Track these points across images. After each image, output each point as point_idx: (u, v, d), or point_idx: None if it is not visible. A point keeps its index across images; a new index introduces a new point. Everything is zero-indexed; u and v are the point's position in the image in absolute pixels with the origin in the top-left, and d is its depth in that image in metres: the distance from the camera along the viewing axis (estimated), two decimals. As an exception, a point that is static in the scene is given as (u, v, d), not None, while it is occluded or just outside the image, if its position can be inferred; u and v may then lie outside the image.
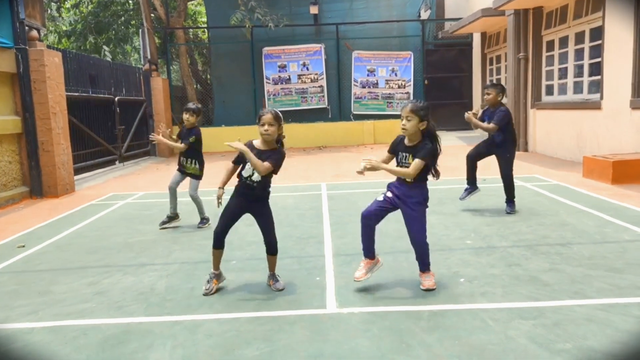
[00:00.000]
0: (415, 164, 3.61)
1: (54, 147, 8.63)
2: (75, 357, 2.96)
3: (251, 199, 3.85)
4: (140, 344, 3.09)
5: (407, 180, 3.68)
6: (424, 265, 3.84)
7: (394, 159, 3.86)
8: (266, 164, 3.70)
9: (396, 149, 3.82)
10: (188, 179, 5.99)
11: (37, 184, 8.62)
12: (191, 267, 4.52)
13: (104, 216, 6.88)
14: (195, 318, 3.44)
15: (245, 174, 3.80)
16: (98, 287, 4.14)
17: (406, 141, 3.74)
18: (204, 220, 6.00)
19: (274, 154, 3.81)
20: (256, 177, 3.76)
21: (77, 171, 10.25)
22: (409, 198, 3.70)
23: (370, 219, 3.77)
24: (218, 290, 3.90)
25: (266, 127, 3.74)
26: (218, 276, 3.95)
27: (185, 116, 5.86)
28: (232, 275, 4.25)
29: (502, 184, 6.05)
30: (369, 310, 3.44)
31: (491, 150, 6.08)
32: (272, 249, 3.91)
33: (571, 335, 2.96)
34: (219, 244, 3.87)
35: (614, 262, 4.14)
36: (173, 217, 6.04)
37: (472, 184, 6.25)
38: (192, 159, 5.94)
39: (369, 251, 3.85)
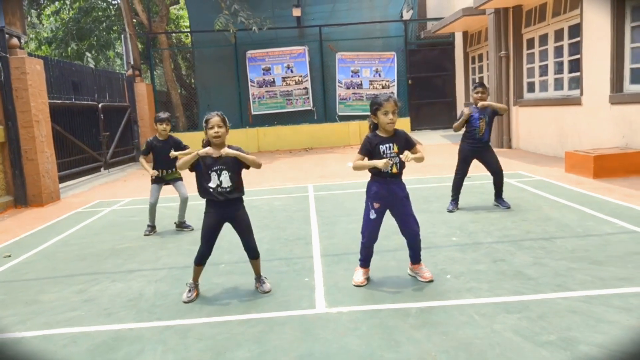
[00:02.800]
0: (417, 148, 3.86)
1: (38, 155, 8.56)
2: (65, 365, 2.97)
3: (228, 206, 3.77)
4: (131, 350, 3.10)
5: (396, 174, 3.80)
6: (419, 257, 4.01)
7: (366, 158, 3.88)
8: (251, 157, 3.74)
9: (372, 145, 3.79)
10: (169, 187, 6.07)
11: (21, 193, 8.55)
12: (179, 272, 4.53)
13: (91, 224, 6.85)
14: (185, 322, 3.45)
15: (212, 184, 3.70)
16: (86, 294, 4.13)
17: (382, 134, 3.81)
18: (189, 225, 6.08)
19: (233, 149, 3.76)
20: (226, 183, 3.71)
21: (62, 179, 10.18)
22: (399, 193, 3.84)
23: (374, 240, 3.96)
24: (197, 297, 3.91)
25: (216, 129, 3.68)
26: (198, 287, 3.95)
27: (162, 126, 5.84)
28: (222, 278, 4.28)
29: (485, 182, 6.12)
30: (357, 309, 3.48)
31: (477, 152, 6.02)
32: (254, 252, 3.93)
33: (555, 327, 3.03)
34: (203, 262, 3.90)
35: (596, 255, 4.23)
36: (154, 227, 6.08)
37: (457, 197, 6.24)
38: (174, 167, 5.92)
39: (368, 262, 4.04)
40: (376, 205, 3.84)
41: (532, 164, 9.30)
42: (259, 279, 4.00)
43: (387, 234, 5.22)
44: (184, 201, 5.98)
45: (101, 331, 3.40)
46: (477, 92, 5.93)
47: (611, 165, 7.45)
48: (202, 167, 3.74)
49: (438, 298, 3.58)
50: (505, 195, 6.24)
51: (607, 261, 4.07)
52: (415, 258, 4.01)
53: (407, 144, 3.81)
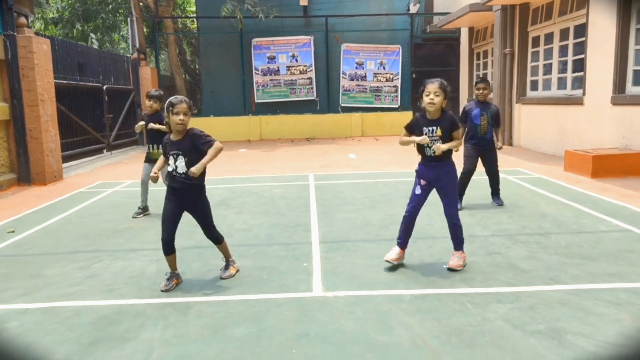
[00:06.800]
0: (458, 132, 3.94)
1: (42, 134, 8.63)
2: (69, 335, 3.06)
3: (184, 193, 3.71)
4: (132, 324, 3.19)
5: (440, 158, 3.88)
6: (456, 243, 4.10)
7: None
8: (215, 145, 3.58)
9: (417, 125, 3.96)
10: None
11: (25, 171, 8.63)
12: (180, 253, 4.56)
13: (93, 203, 6.93)
14: (185, 300, 3.55)
15: (169, 168, 3.68)
16: (89, 271, 4.22)
17: (428, 116, 3.93)
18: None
19: (198, 137, 3.64)
20: (181, 168, 3.62)
21: (65, 159, 10.25)
22: (443, 177, 3.97)
23: (415, 214, 4.07)
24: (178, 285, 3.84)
25: (181, 116, 3.58)
26: (178, 276, 3.85)
27: (149, 103, 5.90)
28: (222, 260, 4.35)
29: (485, 178, 6.15)
30: (353, 294, 3.57)
31: (482, 151, 5.90)
32: (215, 240, 3.95)
33: (545, 317, 3.12)
34: (169, 250, 3.77)
35: (589, 251, 4.32)
36: (145, 208, 6.12)
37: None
38: (158, 145, 5.93)
39: (405, 243, 4.12)
40: (423, 182, 4.00)
41: (531, 162, 9.37)
42: (226, 264, 4.03)
43: (384, 224, 5.31)
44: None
45: (103, 306, 3.49)
46: (478, 88, 5.80)
47: (609, 166, 7.52)
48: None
49: (432, 286, 3.67)
50: (503, 191, 6.31)
51: (600, 257, 4.16)
52: (454, 244, 4.10)
53: (452, 128, 3.90)
